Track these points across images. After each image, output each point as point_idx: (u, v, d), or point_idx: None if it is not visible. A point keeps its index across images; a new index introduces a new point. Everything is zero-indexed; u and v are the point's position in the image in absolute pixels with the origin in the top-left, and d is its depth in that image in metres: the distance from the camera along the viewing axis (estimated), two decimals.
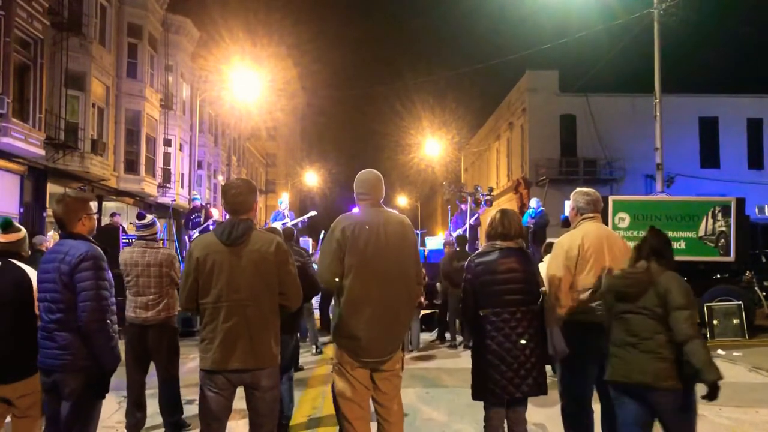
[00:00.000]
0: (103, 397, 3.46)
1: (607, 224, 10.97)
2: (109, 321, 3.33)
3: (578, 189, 4.34)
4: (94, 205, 3.68)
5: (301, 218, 13.51)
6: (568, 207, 4.35)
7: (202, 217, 12.68)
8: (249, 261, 3.31)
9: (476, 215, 13.55)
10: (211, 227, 11.62)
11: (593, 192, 4.26)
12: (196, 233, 11.80)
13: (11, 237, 3.81)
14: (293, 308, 3.55)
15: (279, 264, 3.37)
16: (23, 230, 3.96)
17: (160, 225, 5.64)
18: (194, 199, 13.23)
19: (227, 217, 3.46)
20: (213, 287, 3.27)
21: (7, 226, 3.86)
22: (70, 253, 3.31)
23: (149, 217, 5.32)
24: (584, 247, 3.95)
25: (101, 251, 3.42)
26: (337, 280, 3.50)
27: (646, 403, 3.32)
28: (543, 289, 4.09)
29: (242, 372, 3.28)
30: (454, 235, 12.46)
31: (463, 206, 13.75)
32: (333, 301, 3.82)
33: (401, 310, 3.56)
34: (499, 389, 3.75)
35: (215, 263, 3.28)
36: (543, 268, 7.51)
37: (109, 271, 3.43)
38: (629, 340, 3.37)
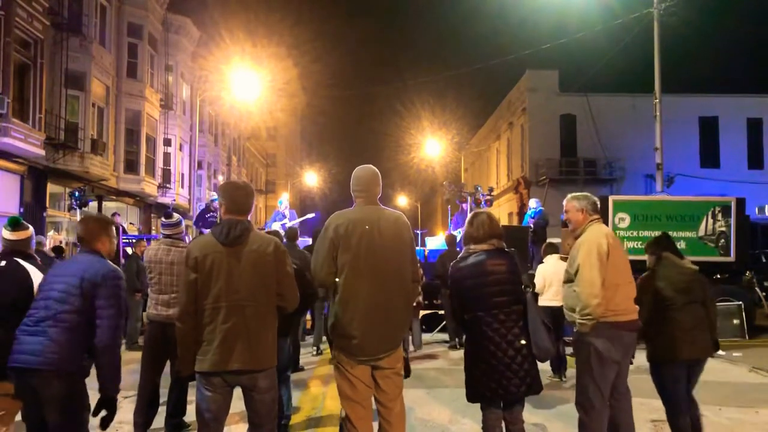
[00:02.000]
0: (107, 424, 3.36)
1: (606, 224, 10.97)
2: (120, 344, 3.36)
3: (575, 194, 4.34)
4: (114, 229, 3.70)
5: (300, 219, 13.51)
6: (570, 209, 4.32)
7: (217, 217, 12.68)
8: (248, 261, 3.29)
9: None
10: None
11: (591, 195, 4.34)
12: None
13: (21, 235, 3.84)
14: (290, 309, 3.53)
15: (277, 264, 3.37)
16: (30, 229, 3.97)
17: (158, 225, 5.66)
18: (213, 200, 13.26)
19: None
20: (212, 288, 3.25)
21: (15, 224, 3.88)
22: (97, 266, 3.34)
23: (176, 216, 5.34)
24: (612, 245, 4.01)
25: (122, 272, 3.48)
26: (337, 279, 3.49)
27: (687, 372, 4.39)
28: (528, 288, 4.06)
29: (241, 373, 3.26)
30: (454, 234, 12.46)
31: (463, 206, 13.74)
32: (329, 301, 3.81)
33: (396, 309, 3.54)
34: (489, 392, 3.76)
35: (214, 263, 3.26)
36: (542, 269, 7.58)
37: None
38: (697, 324, 4.36)
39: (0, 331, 3.44)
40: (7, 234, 3.86)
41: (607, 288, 3.89)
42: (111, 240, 3.59)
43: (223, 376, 3.26)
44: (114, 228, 3.66)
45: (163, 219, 5.38)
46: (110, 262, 3.48)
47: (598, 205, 4.27)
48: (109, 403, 3.31)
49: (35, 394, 3.22)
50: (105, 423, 3.32)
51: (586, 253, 3.95)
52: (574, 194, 4.32)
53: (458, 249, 10.89)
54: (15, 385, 3.31)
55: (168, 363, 5.14)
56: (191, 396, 5.47)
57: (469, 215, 4.12)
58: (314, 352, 8.95)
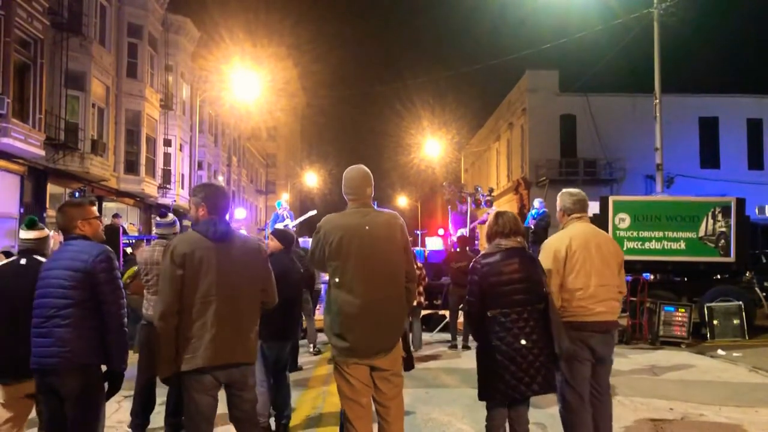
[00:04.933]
0: (112, 395, 3.46)
1: (607, 224, 10.98)
2: (126, 322, 3.40)
3: (564, 190, 4.40)
4: (94, 209, 3.63)
5: (301, 218, 13.51)
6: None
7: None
8: (236, 257, 3.37)
9: (483, 217, 13.60)
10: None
11: (579, 192, 4.33)
12: None
13: (38, 234, 3.89)
14: (272, 305, 3.62)
15: (262, 261, 3.51)
16: (46, 230, 4.01)
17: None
18: None
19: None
20: (201, 283, 3.25)
21: (32, 224, 3.92)
22: (86, 251, 3.33)
23: (171, 216, 5.32)
24: (572, 249, 4.02)
25: (112, 250, 3.47)
26: (336, 280, 3.50)
27: None
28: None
29: (234, 367, 3.27)
30: (455, 236, 12.46)
31: (462, 207, 13.76)
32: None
33: (389, 311, 3.52)
34: (510, 389, 3.75)
35: (203, 258, 3.27)
36: None
37: None
38: None
39: (18, 329, 3.50)
40: (24, 233, 3.92)
41: (565, 291, 3.98)
42: (90, 223, 3.52)
43: (215, 374, 3.25)
44: (91, 208, 3.58)
45: (157, 219, 5.37)
46: (97, 243, 3.45)
47: (586, 202, 4.28)
48: (115, 376, 3.40)
49: (54, 391, 3.30)
50: (108, 395, 3.42)
51: (542, 260, 4.10)
52: (562, 191, 4.41)
53: (454, 249, 10.88)
54: (36, 384, 3.41)
55: None
56: None
57: (492, 214, 4.19)
58: (311, 350, 8.96)
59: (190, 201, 3.53)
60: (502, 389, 3.77)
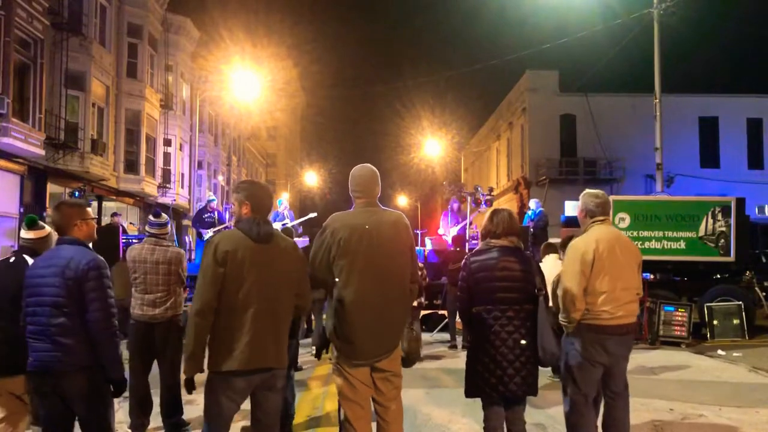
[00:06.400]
0: (117, 396, 3.47)
1: None
2: (116, 330, 3.37)
3: (588, 191, 4.31)
4: (90, 210, 3.62)
5: (301, 219, 13.49)
6: (570, 207, 4.37)
7: (215, 218, 12.71)
8: (278, 258, 3.30)
9: (472, 215, 13.56)
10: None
11: (603, 194, 4.25)
12: (210, 232, 11.92)
13: (39, 234, 3.88)
14: (306, 309, 3.60)
15: (300, 265, 3.44)
16: (48, 228, 3.99)
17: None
18: (211, 201, 13.34)
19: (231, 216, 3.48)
20: (243, 282, 3.19)
21: (32, 223, 3.92)
22: (76, 259, 3.31)
23: (164, 216, 5.32)
24: (599, 251, 3.95)
25: (103, 259, 3.45)
26: (336, 279, 3.49)
27: None
28: (541, 290, 4.05)
29: (267, 371, 3.22)
30: (450, 234, 12.43)
31: (454, 205, 13.70)
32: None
33: (394, 312, 3.52)
34: (488, 387, 3.75)
35: (245, 258, 3.21)
36: (542, 268, 7.58)
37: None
38: None
39: (4, 323, 3.53)
40: (23, 233, 3.92)
41: (591, 294, 3.94)
42: (87, 222, 3.53)
43: (247, 378, 3.19)
44: (88, 209, 3.59)
45: (150, 217, 5.35)
46: (91, 250, 3.45)
47: (609, 206, 4.23)
48: (116, 383, 3.40)
49: (54, 392, 3.28)
50: (115, 395, 3.45)
51: (569, 262, 4.05)
52: (584, 191, 4.32)
53: (449, 248, 10.86)
54: (35, 385, 3.39)
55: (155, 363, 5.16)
56: (190, 395, 5.44)
57: (489, 211, 4.14)
58: (313, 352, 8.93)
59: (232, 197, 3.52)
60: (481, 386, 3.78)
